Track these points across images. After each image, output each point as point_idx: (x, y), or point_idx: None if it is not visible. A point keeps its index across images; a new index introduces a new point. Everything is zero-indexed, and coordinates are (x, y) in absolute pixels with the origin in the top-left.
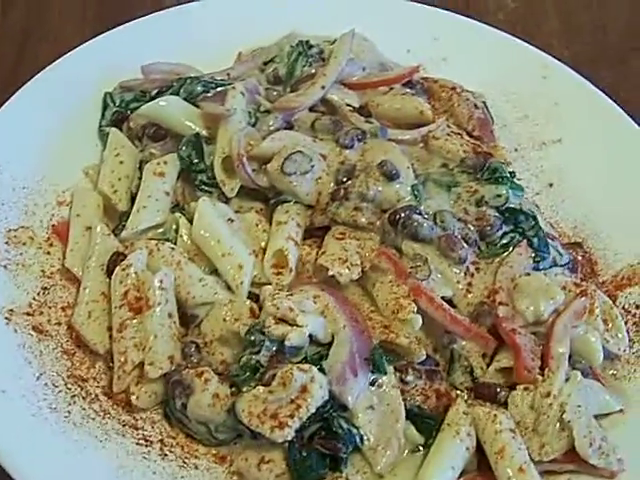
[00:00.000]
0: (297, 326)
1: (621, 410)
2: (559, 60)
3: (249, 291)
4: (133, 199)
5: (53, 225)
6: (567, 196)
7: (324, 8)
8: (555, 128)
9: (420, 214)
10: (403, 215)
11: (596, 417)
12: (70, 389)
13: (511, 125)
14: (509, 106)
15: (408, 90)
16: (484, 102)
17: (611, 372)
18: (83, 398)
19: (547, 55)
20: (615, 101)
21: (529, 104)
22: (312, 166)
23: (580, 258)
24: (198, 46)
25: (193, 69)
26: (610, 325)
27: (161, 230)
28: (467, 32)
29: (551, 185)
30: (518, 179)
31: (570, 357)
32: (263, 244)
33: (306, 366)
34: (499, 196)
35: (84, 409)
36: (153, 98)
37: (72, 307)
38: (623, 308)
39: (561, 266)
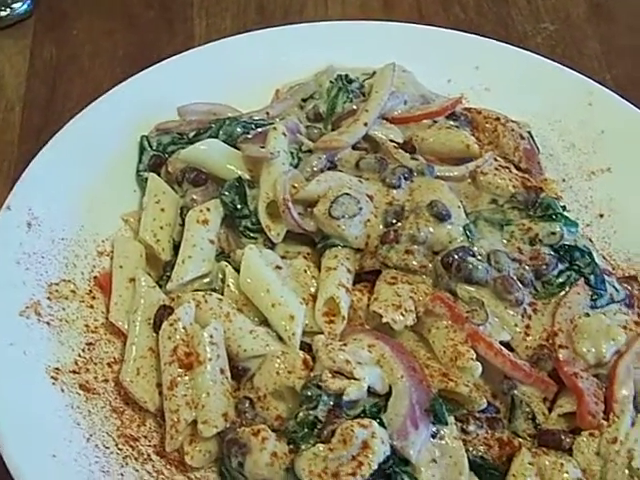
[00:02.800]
0: (354, 379)
1: None
2: (602, 84)
3: (301, 341)
4: (175, 247)
5: (95, 277)
6: (619, 227)
7: (360, 40)
8: (603, 157)
9: (474, 255)
10: (457, 257)
11: None
12: (121, 450)
13: (558, 155)
14: (555, 135)
15: (452, 123)
16: (529, 132)
17: None
18: (135, 459)
19: (591, 81)
20: None
21: (575, 132)
22: (360, 208)
23: (636, 292)
24: (234, 84)
25: (230, 108)
26: None
27: (207, 280)
28: (508, 59)
29: (602, 216)
30: (568, 211)
31: (635, 399)
32: (312, 290)
33: (366, 421)
34: (554, 234)
35: (137, 470)
36: (191, 140)
37: (119, 362)
38: None
39: (618, 302)
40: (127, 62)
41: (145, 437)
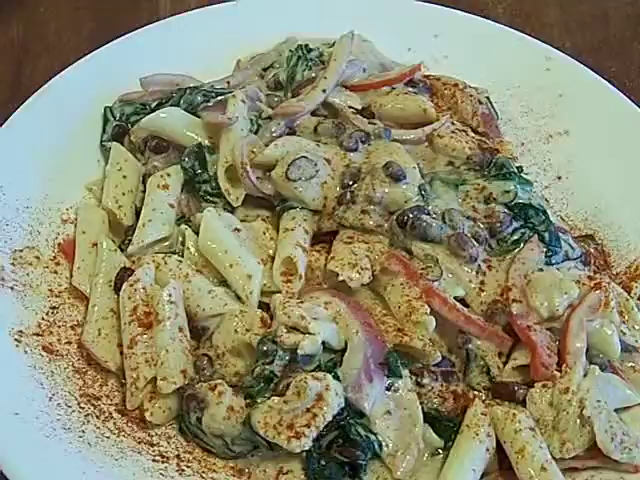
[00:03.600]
0: (309, 334)
1: None
2: (561, 51)
3: (259, 301)
4: (138, 213)
5: (59, 244)
6: (576, 188)
7: (321, 10)
8: (561, 120)
9: (428, 214)
10: (411, 216)
11: (617, 411)
12: (83, 408)
13: (516, 119)
14: (514, 100)
15: (410, 89)
16: (488, 97)
17: (630, 365)
18: (97, 417)
19: (549, 47)
20: (621, 90)
21: (534, 97)
22: (317, 171)
23: (592, 250)
24: (196, 55)
25: (192, 79)
26: (626, 317)
27: (167, 243)
28: (467, 28)
29: (560, 178)
30: (526, 173)
31: (587, 352)
32: (271, 252)
33: (320, 374)
34: (507, 192)
35: (98, 428)
36: (153, 110)
37: (82, 325)
38: (639, 299)
39: (574, 259)
40: (93, 38)
41: (107, 396)
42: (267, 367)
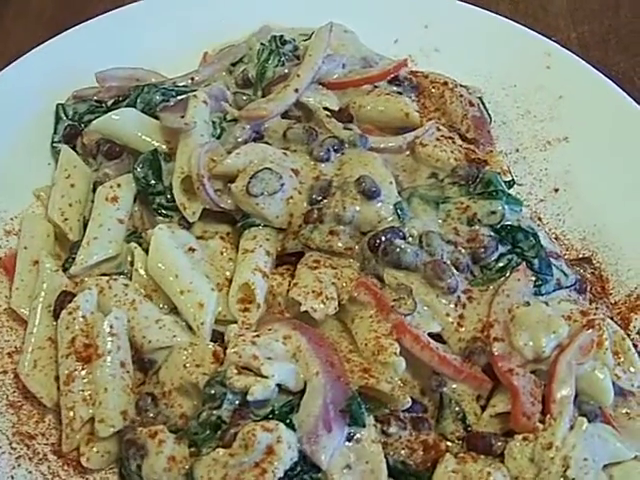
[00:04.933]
0: (262, 376)
1: (635, 457)
2: (565, 45)
3: (214, 330)
4: (85, 225)
5: (0, 258)
6: (575, 203)
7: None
8: (561, 125)
9: (404, 238)
10: (384, 239)
11: (606, 467)
12: (15, 449)
13: (512, 122)
14: (509, 101)
15: (394, 88)
16: (480, 98)
17: (624, 411)
18: (30, 459)
19: (551, 41)
20: (629, 90)
21: (531, 98)
22: (282, 184)
23: (589, 276)
24: (160, 47)
25: (154, 74)
26: (622, 358)
27: (115, 262)
28: (461, 18)
29: (557, 190)
30: (519, 184)
31: (576, 397)
32: (229, 274)
33: (272, 424)
34: (494, 213)
35: (30, 472)
36: (109, 109)
37: (19, 353)
38: (638, 333)
39: (566, 287)
40: (53, 24)
41: (43, 435)
42: (214, 412)
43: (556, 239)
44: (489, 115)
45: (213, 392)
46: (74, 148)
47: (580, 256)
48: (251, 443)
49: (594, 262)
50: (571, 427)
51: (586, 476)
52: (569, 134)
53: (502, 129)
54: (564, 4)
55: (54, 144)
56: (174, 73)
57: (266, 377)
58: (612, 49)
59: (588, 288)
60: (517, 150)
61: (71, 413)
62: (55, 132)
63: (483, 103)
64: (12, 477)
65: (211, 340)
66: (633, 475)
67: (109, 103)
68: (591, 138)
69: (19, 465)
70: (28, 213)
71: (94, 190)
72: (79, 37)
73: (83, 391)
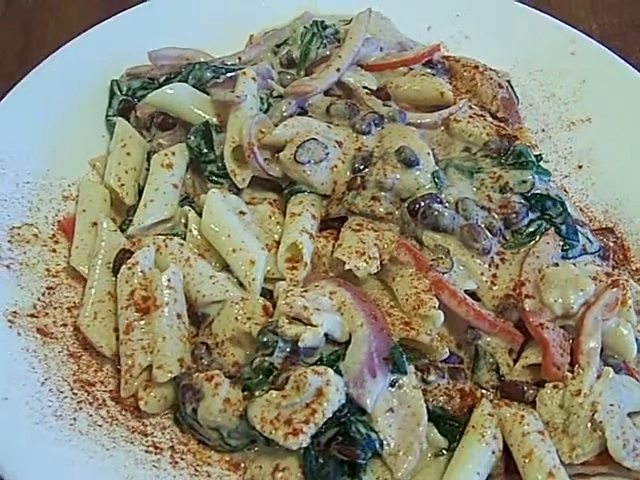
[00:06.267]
0: (312, 325)
1: None
2: (588, 34)
3: (264, 287)
4: (140, 192)
5: (59, 221)
6: (597, 178)
7: None
8: (584, 106)
9: (441, 203)
10: (423, 204)
11: (631, 415)
12: (76, 395)
13: (538, 105)
14: (535, 85)
15: (428, 70)
16: (509, 81)
17: None
18: (90, 404)
19: (574, 30)
20: None
21: (556, 82)
22: (327, 154)
23: (612, 244)
24: (208, 29)
25: (203, 54)
26: None
27: (170, 224)
28: (490, 7)
29: (580, 167)
30: (545, 161)
31: (602, 352)
32: (277, 237)
33: (321, 368)
34: (524, 182)
35: (91, 416)
36: (161, 85)
37: (79, 307)
38: None
39: (591, 254)
40: (102, 9)
41: (101, 382)
42: (267, 359)
43: (581, 211)
44: (517, 97)
45: (266, 340)
46: (128, 121)
47: (603, 227)
48: (302, 385)
49: (616, 232)
50: (598, 377)
51: (612, 420)
52: (592, 115)
53: (529, 110)
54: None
55: (108, 117)
56: (222, 54)
57: (315, 326)
58: (630, 40)
59: (611, 255)
60: (543, 130)
61: (130, 361)
62: (110, 106)
63: (511, 86)
64: (75, 419)
65: (260, 296)
66: None
67: (161, 80)
68: (612, 119)
69: (80, 409)
70: (85, 180)
71: (148, 159)
72: (131, 20)
73: (142, 340)
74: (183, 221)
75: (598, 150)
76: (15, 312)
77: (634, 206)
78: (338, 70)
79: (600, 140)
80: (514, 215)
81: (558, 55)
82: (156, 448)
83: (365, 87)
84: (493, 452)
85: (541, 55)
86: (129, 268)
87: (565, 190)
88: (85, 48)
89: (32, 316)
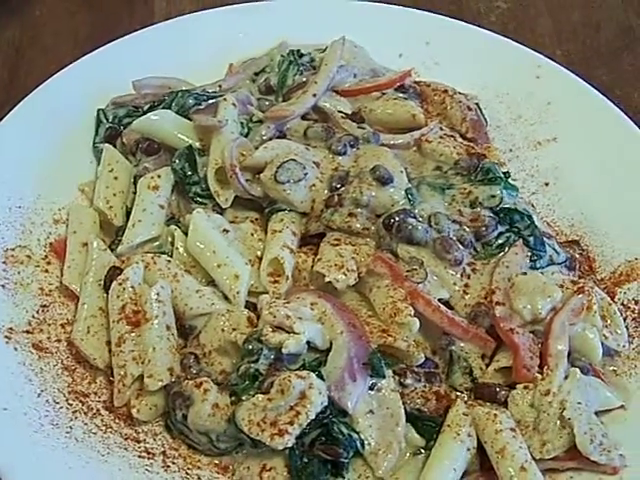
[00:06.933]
0: (294, 333)
1: (622, 406)
2: (552, 59)
3: (247, 301)
4: (129, 214)
5: (50, 243)
6: (563, 195)
7: (314, 17)
8: (550, 127)
9: (415, 218)
10: (397, 219)
11: (597, 414)
12: (71, 405)
13: (505, 126)
14: (503, 107)
15: (400, 95)
16: (477, 104)
17: (611, 368)
18: (85, 413)
19: (539, 55)
20: (610, 99)
21: (523, 104)
22: (305, 174)
23: (578, 256)
24: (189, 60)
25: (185, 82)
26: (609, 321)
27: (157, 243)
28: (459, 35)
29: (547, 184)
30: (514, 179)
31: (570, 355)
32: (259, 253)
33: (304, 373)
34: (493, 197)
35: (86, 424)
36: (145, 112)
37: (71, 324)
38: (622, 304)
39: (558, 264)
40: (88, 42)
41: (95, 393)
42: (252, 365)
43: (548, 225)
44: (485, 119)
45: (251, 348)
46: (114, 147)
47: (569, 240)
48: (287, 389)
49: (582, 245)
50: (566, 377)
51: (580, 417)
52: (557, 135)
53: (497, 131)
54: (549, 25)
55: (96, 144)
56: (203, 82)
57: (298, 334)
58: (593, 65)
59: (577, 266)
60: (510, 150)
61: (122, 371)
62: (97, 134)
63: (480, 108)
64: (71, 427)
65: (245, 309)
66: (620, 421)
67: (145, 108)
68: (577, 138)
69: (76, 418)
70: (74, 203)
71: (135, 183)
72: (116, 52)
73: (133, 351)
74: (170, 240)
75: (564, 168)
76: (11, 329)
77: (598, 220)
78: (314, 95)
79: (565, 159)
80: (484, 228)
81: (524, 79)
82: (148, 453)
83: (340, 111)
84: (468, 449)
85: (508, 79)
86: (119, 284)
87: (533, 205)
88: (72, 79)
89: (27, 332)
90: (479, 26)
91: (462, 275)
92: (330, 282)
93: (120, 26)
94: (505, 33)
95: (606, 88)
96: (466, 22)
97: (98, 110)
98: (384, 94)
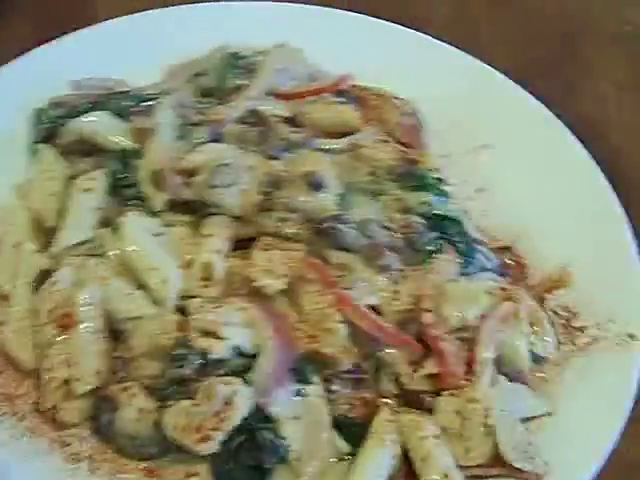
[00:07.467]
0: (221, 338)
1: (549, 413)
2: (492, 66)
3: (178, 305)
4: (63, 215)
5: None
6: (497, 201)
7: (254, 21)
8: (486, 133)
9: (345, 223)
10: (327, 224)
11: (524, 421)
12: None
13: (442, 131)
14: (440, 112)
15: (338, 99)
16: (414, 109)
17: (540, 375)
18: (11, 416)
19: (478, 61)
20: (547, 107)
21: (460, 110)
22: (239, 178)
23: (510, 262)
24: (127, 61)
25: (124, 84)
26: (537, 328)
27: (89, 246)
28: (395, 40)
29: (481, 190)
30: (448, 185)
31: (497, 362)
32: (190, 257)
33: (229, 378)
34: (424, 203)
35: (14, 427)
36: (82, 113)
37: (2, 325)
38: (551, 310)
39: (489, 270)
40: (28, 42)
41: (22, 396)
42: (179, 370)
43: (481, 231)
44: (421, 124)
45: (178, 352)
46: (51, 148)
47: (502, 246)
48: (212, 394)
49: (514, 251)
50: (492, 385)
51: (504, 424)
52: (493, 141)
53: (434, 137)
54: (490, 32)
55: (32, 145)
56: (140, 84)
57: (223, 339)
58: (534, 74)
59: (509, 273)
60: (446, 155)
61: (50, 374)
62: (33, 134)
63: (416, 113)
64: None
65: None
66: (547, 428)
67: (82, 108)
68: (512, 145)
69: (2, 422)
70: (7, 204)
71: (69, 184)
72: (54, 51)
73: (61, 355)
74: (102, 243)
75: (498, 174)
76: None
77: (530, 227)
78: (250, 99)
79: (500, 165)
80: (414, 234)
81: (462, 84)
82: (75, 458)
83: (277, 115)
84: (392, 456)
85: (445, 84)
86: (49, 286)
87: (466, 211)
88: (9, 78)
89: None
90: (418, 31)
91: (392, 281)
92: (260, 287)
93: (62, 27)
94: (445, 39)
95: (545, 96)
96: (406, 27)
97: (34, 109)
98: (321, 98)
